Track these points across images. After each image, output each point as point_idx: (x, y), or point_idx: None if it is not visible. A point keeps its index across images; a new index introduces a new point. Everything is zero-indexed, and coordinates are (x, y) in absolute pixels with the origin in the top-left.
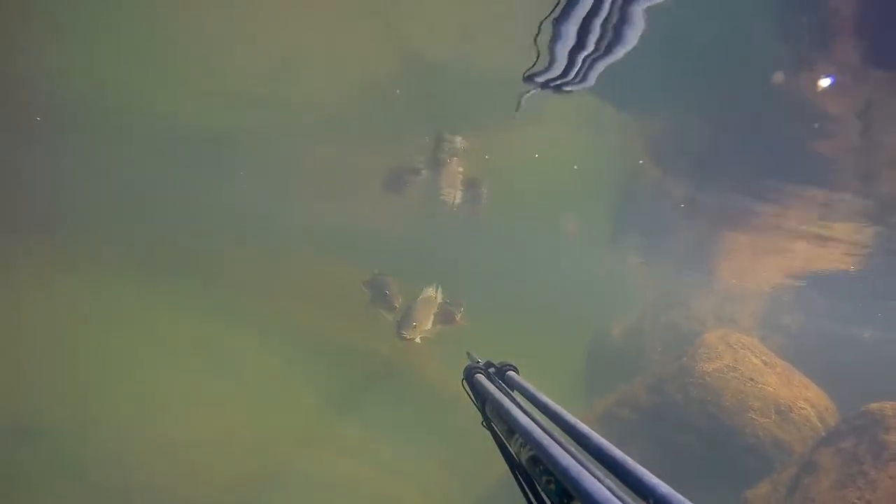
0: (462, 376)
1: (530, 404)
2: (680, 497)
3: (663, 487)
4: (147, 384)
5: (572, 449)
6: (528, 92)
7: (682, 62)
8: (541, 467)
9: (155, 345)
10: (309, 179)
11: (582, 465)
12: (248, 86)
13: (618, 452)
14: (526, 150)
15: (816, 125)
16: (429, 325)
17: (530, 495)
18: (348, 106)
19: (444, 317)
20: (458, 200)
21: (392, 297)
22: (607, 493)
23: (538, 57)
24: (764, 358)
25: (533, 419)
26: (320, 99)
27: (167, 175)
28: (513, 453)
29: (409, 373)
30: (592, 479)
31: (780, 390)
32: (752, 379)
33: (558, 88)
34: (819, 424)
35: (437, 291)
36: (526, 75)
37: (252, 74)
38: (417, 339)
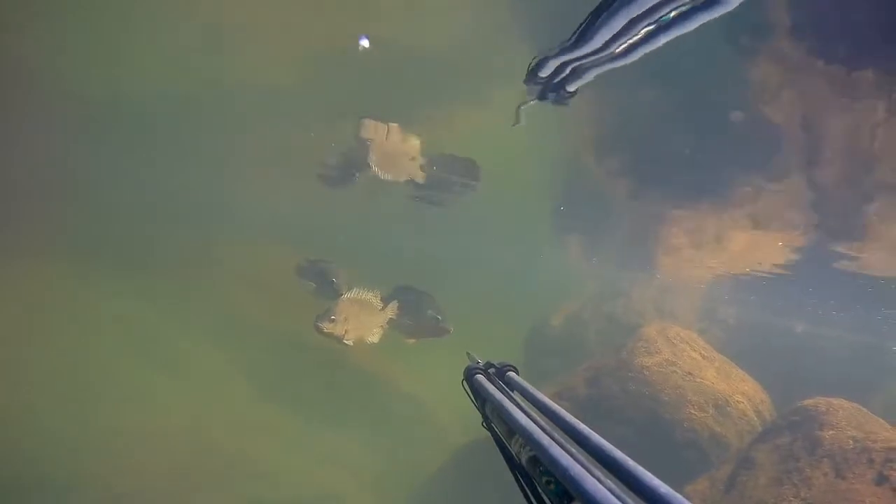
0: (462, 377)
1: (530, 405)
2: (680, 498)
3: (664, 488)
4: (82, 373)
5: (572, 449)
6: (527, 103)
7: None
8: (541, 468)
9: (89, 333)
10: (250, 162)
11: (582, 465)
12: (184, 63)
13: (618, 453)
14: (469, 137)
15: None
16: (358, 328)
17: (530, 496)
18: (289, 86)
19: (435, 330)
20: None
21: (340, 285)
22: (607, 493)
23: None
24: (702, 352)
25: (533, 420)
26: (259, 78)
27: (100, 157)
28: (513, 454)
29: (352, 363)
30: (592, 480)
31: (718, 384)
32: (690, 373)
33: (562, 85)
34: (755, 418)
35: (374, 295)
36: (530, 68)
37: (187, 49)
38: (348, 341)
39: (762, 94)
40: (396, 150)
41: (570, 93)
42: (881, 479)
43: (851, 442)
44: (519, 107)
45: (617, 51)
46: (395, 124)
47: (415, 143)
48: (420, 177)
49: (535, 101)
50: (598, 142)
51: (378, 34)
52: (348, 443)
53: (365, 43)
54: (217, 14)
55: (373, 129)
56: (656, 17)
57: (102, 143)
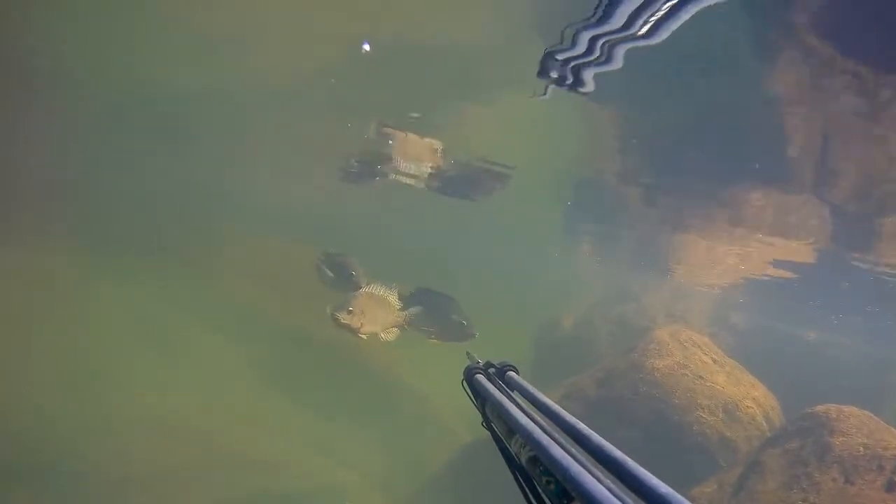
0: (462, 377)
1: (530, 405)
2: (680, 497)
3: (663, 488)
4: (85, 361)
5: (572, 449)
6: (547, 85)
7: (655, 57)
8: (541, 468)
9: (92, 321)
10: (261, 156)
11: (582, 465)
12: (201, 53)
13: (618, 453)
14: (482, 134)
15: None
16: (376, 324)
17: (530, 496)
18: (308, 81)
19: (461, 334)
20: (423, 177)
21: (360, 277)
22: (607, 493)
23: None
24: (713, 356)
25: (533, 420)
26: (278, 71)
27: (112, 147)
28: (513, 454)
29: (356, 357)
30: (592, 480)
31: (729, 389)
32: (701, 377)
33: (578, 72)
34: (765, 424)
35: (392, 293)
36: (546, 51)
37: (206, 41)
38: (363, 335)
39: (784, 105)
40: (418, 143)
41: (584, 83)
42: (891, 486)
43: (861, 448)
44: (546, 86)
45: (642, 30)
46: (413, 134)
47: (436, 143)
48: (439, 165)
49: (554, 85)
50: (615, 147)
51: (395, 31)
52: (351, 437)
53: (367, 47)
54: (233, 8)
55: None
56: None
57: (119, 136)
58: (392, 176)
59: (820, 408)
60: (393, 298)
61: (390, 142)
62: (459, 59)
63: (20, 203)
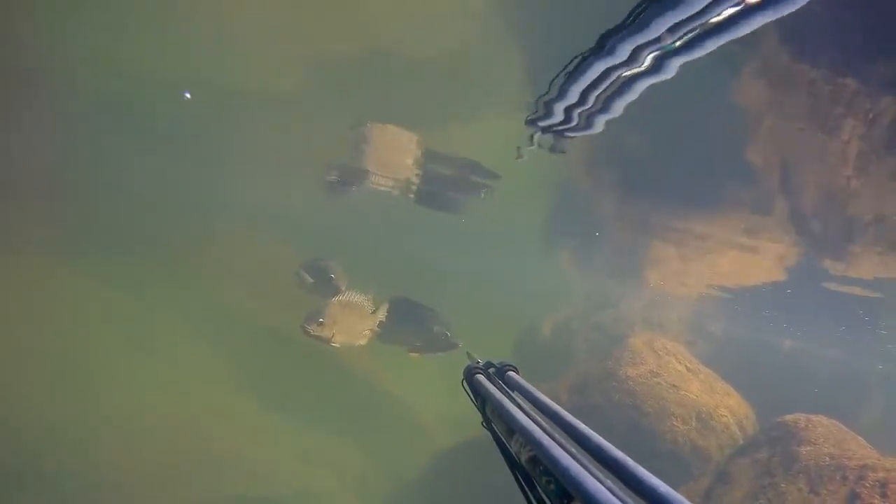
0: (462, 377)
1: (530, 405)
2: (680, 497)
3: (663, 488)
4: (66, 364)
5: (572, 449)
6: (531, 138)
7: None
8: (541, 468)
9: (83, 325)
10: (247, 158)
11: (582, 465)
12: (185, 59)
13: (618, 453)
14: (462, 147)
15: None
16: (349, 332)
17: (530, 496)
18: (293, 87)
19: (444, 345)
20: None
21: (338, 281)
22: (607, 493)
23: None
24: (688, 364)
25: (533, 419)
26: (261, 79)
27: (96, 147)
28: (513, 454)
29: (338, 362)
30: (592, 480)
31: (702, 397)
32: (674, 385)
33: (560, 133)
34: (738, 432)
35: (369, 301)
36: (528, 119)
37: (188, 46)
38: (336, 344)
39: (745, 122)
40: (393, 151)
41: (562, 151)
42: (853, 497)
43: (828, 458)
44: (532, 136)
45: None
46: (394, 126)
47: (412, 137)
48: (415, 175)
49: (539, 133)
50: (588, 159)
51: (379, 42)
52: (331, 442)
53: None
54: (220, 15)
55: (371, 134)
56: (660, 45)
57: (103, 135)
58: (372, 179)
59: (789, 417)
60: (367, 303)
61: (369, 140)
62: (442, 77)
63: (14, 206)
